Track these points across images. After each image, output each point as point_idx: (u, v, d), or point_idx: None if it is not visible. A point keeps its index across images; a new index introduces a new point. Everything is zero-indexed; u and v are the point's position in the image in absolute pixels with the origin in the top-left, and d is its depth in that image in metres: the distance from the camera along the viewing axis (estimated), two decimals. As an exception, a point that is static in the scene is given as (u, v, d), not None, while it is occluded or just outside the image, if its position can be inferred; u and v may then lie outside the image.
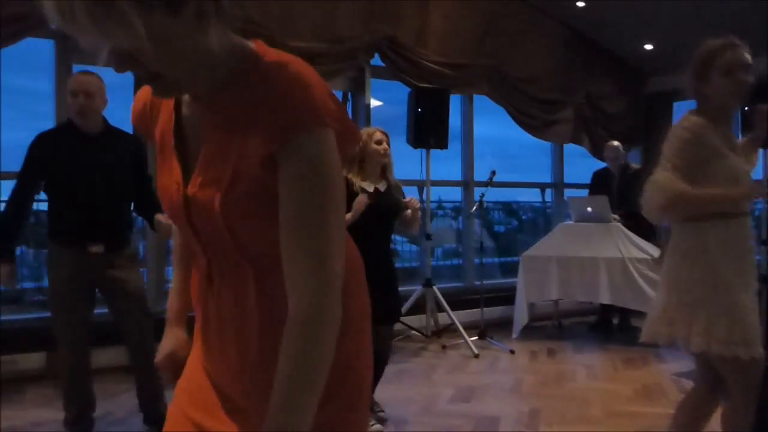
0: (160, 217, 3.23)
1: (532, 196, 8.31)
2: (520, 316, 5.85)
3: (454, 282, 6.92)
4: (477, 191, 6.20)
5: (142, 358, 3.36)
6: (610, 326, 6.28)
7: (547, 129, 6.95)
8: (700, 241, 2.39)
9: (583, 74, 7.08)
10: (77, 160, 3.19)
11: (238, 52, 1.13)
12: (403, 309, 5.50)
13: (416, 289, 5.71)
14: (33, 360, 4.42)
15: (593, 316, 6.50)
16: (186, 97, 1.18)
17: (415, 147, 5.76)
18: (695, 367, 2.61)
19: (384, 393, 4.13)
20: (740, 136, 2.63)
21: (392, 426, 3.73)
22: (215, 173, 1.10)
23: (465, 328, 5.46)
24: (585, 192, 6.51)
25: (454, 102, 6.30)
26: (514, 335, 5.84)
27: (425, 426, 3.66)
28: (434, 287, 5.69)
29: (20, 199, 3.23)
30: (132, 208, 3.45)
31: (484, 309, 5.73)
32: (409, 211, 3.56)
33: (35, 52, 4.76)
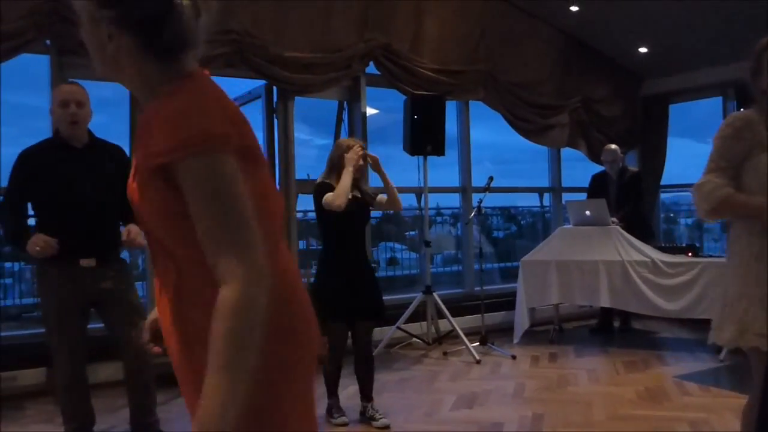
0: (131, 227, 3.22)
1: (530, 200, 8.31)
2: (521, 321, 5.85)
3: (454, 288, 6.91)
4: (475, 197, 6.20)
5: (138, 370, 3.34)
6: (611, 329, 6.27)
7: (543, 133, 6.96)
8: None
9: (579, 78, 7.10)
10: (66, 173, 3.17)
11: (172, 78, 1.25)
12: (404, 316, 5.54)
13: (416, 297, 5.70)
14: (33, 376, 4.41)
15: (594, 319, 6.49)
16: None
17: (412, 154, 5.76)
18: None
19: (386, 401, 4.12)
20: None
21: (395, 434, 3.72)
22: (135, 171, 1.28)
23: (466, 335, 5.45)
24: (583, 196, 6.51)
25: (450, 108, 6.31)
26: (515, 340, 5.84)
27: (428, 433, 3.65)
28: (434, 294, 5.69)
29: (10, 214, 3.22)
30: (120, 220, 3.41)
31: (485, 315, 5.72)
32: (383, 195, 3.89)
33: (31, 69, 4.77)
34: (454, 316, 5.63)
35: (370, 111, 6.04)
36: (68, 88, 3.26)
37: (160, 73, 1.25)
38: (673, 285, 5.25)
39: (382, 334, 5.48)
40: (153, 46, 1.22)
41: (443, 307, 5.61)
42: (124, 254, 3.55)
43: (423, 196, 5.91)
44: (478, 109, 6.73)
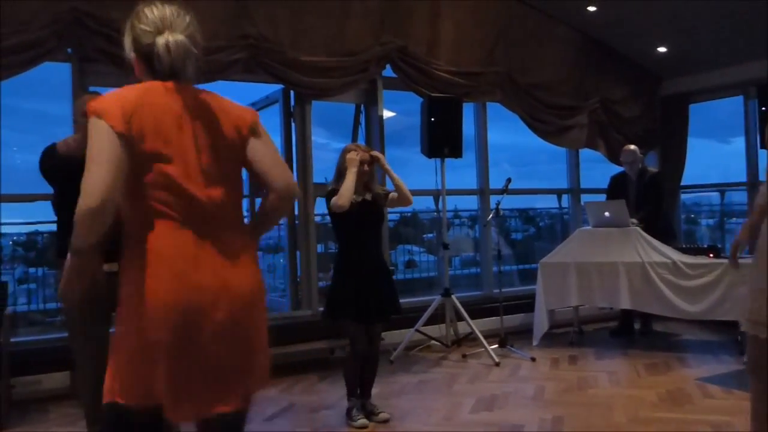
0: None
1: (548, 202, 8.26)
2: (540, 323, 5.82)
3: (472, 291, 6.89)
4: (493, 199, 6.18)
5: None
6: (631, 331, 6.22)
7: (561, 135, 6.92)
8: None
9: (597, 79, 7.06)
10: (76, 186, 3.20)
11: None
12: (422, 319, 5.53)
13: (435, 299, 5.70)
14: (56, 380, 4.47)
15: (614, 321, 6.45)
16: None
17: (430, 157, 5.76)
18: None
19: (405, 403, 4.12)
20: None
21: (414, 437, 3.73)
22: None
23: (485, 337, 5.44)
24: (602, 197, 6.47)
25: (467, 110, 6.31)
26: (535, 342, 5.81)
27: (447, 436, 3.64)
28: (453, 296, 5.68)
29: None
30: None
31: (504, 317, 5.71)
32: (394, 193, 3.94)
33: (52, 77, 4.83)
34: (472, 318, 5.62)
35: (387, 114, 6.06)
36: (91, 99, 3.29)
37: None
38: (694, 286, 5.20)
39: (401, 336, 5.48)
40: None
41: (462, 309, 5.60)
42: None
43: (441, 198, 5.91)
44: (495, 110, 6.71)
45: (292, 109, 5.64)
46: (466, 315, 5.57)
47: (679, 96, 7.33)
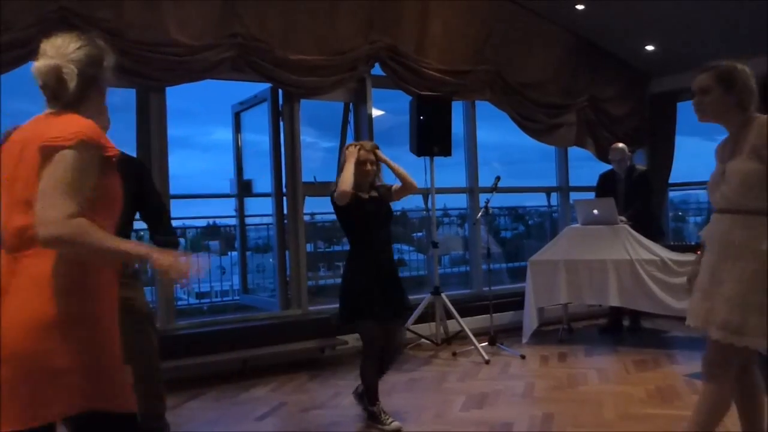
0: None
1: (537, 200, 8.29)
2: (530, 320, 5.84)
3: (462, 289, 6.91)
4: (482, 197, 6.19)
5: (147, 375, 3.36)
6: (620, 328, 6.25)
7: (550, 133, 6.95)
8: None
9: (586, 77, 7.09)
10: None
11: None
12: (412, 318, 5.53)
13: (425, 298, 5.70)
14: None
15: (603, 318, 6.48)
16: None
17: (419, 155, 5.76)
18: None
19: (396, 401, 4.12)
20: None
21: (405, 435, 3.73)
22: None
23: (475, 335, 5.45)
24: (591, 195, 6.49)
25: (457, 109, 6.31)
26: (524, 340, 5.83)
27: (438, 434, 3.65)
28: (443, 295, 5.69)
29: None
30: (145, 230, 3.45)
31: (494, 315, 5.72)
32: (396, 184, 3.94)
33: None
34: (462, 316, 5.63)
35: (376, 112, 6.05)
36: None
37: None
38: (682, 283, 5.21)
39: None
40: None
41: (452, 307, 5.61)
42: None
43: (430, 196, 5.91)
44: (484, 109, 6.72)
45: (280, 108, 5.62)
46: (455, 313, 5.58)
47: (667, 94, 7.37)
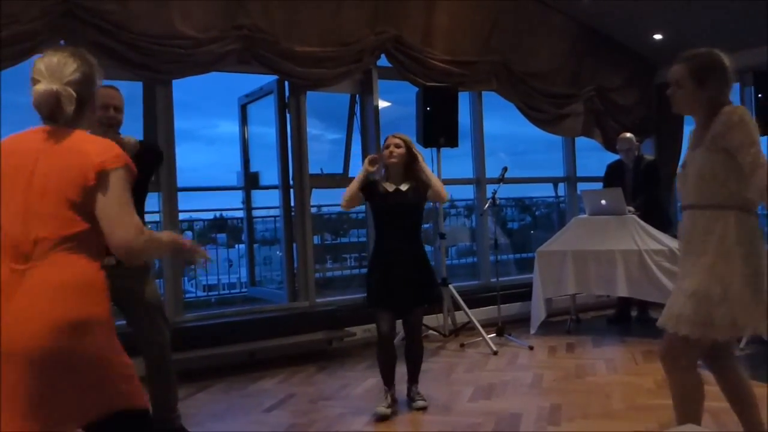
0: None
1: (544, 191, 8.27)
2: (538, 311, 5.83)
3: (469, 280, 6.90)
4: (489, 188, 6.18)
5: (159, 367, 3.38)
6: (628, 319, 6.23)
7: (557, 123, 6.91)
8: (742, 229, 2.53)
9: (593, 67, 7.04)
10: None
11: None
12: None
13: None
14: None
15: (611, 309, 6.46)
16: None
17: (425, 146, 5.75)
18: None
19: (404, 392, 4.12)
20: None
21: (412, 426, 3.73)
22: None
23: (483, 326, 5.45)
24: (599, 185, 6.47)
25: (463, 100, 6.29)
26: (532, 331, 5.82)
27: (446, 425, 3.65)
28: (450, 286, 5.69)
29: None
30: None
31: (501, 306, 5.71)
32: (430, 191, 3.97)
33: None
34: (470, 307, 5.63)
35: (382, 104, 6.04)
36: (110, 92, 3.28)
37: None
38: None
39: (398, 327, 5.48)
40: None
41: (459, 299, 5.61)
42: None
43: (437, 188, 5.89)
44: (491, 99, 6.70)
45: (286, 100, 5.61)
46: (463, 304, 5.58)
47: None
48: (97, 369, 1.78)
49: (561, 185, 7.54)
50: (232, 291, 9.40)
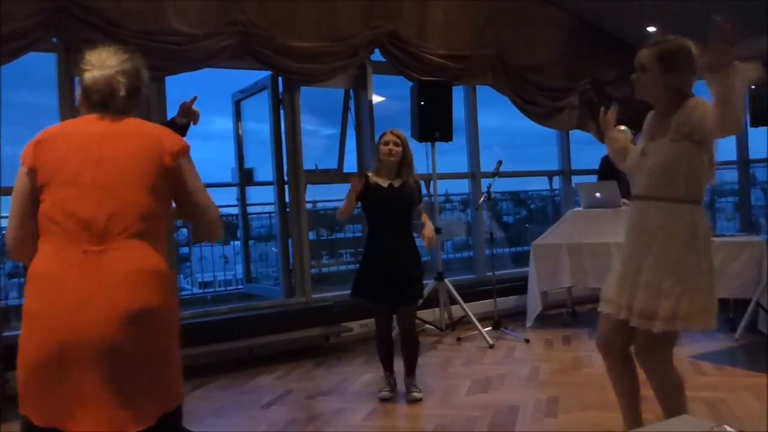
0: None
1: (540, 184, 8.27)
2: (534, 305, 5.85)
3: (465, 274, 6.92)
4: (484, 182, 6.18)
5: None
6: (624, 311, 6.24)
7: (552, 117, 6.91)
8: (697, 224, 2.56)
9: (588, 60, 7.04)
10: None
11: None
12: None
13: (428, 283, 5.70)
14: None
15: (607, 301, 6.47)
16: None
17: (420, 141, 5.75)
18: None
19: (402, 387, 4.13)
20: None
21: (410, 420, 3.74)
22: None
23: (479, 320, 5.46)
24: (593, 178, 6.48)
25: (458, 94, 6.29)
26: (528, 324, 5.84)
27: (444, 418, 3.66)
28: (446, 280, 5.69)
29: None
30: None
31: (497, 299, 5.73)
32: (421, 205, 4.05)
33: (38, 67, 4.77)
34: (466, 301, 5.64)
35: (376, 99, 6.03)
36: None
37: None
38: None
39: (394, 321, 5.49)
40: None
41: (455, 293, 5.62)
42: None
43: (432, 182, 5.90)
44: (486, 93, 6.69)
45: (280, 96, 5.60)
46: (459, 298, 5.59)
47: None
48: (167, 363, 1.77)
49: (556, 179, 7.55)
50: (228, 288, 9.40)
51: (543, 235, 5.98)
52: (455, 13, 6.21)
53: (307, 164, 5.70)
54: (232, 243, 9.70)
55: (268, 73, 5.51)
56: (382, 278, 3.89)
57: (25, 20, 4.26)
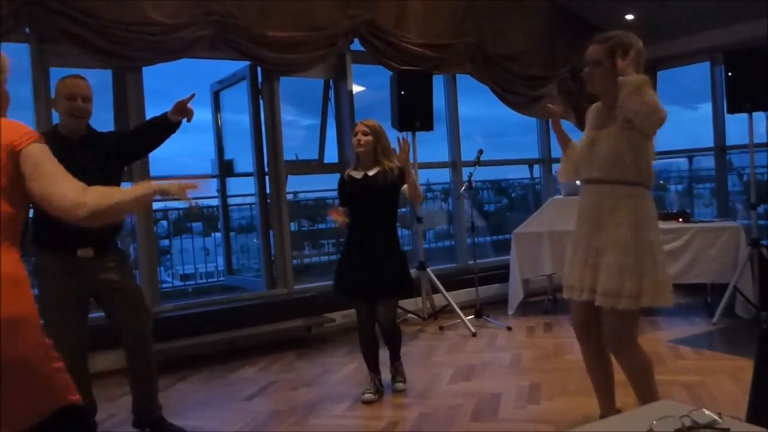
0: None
1: (520, 173, 8.31)
2: (515, 292, 5.88)
3: (447, 263, 6.93)
4: (465, 171, 6.19)
5: (141, 358, 3.36)
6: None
7: (532, 105, 6.93)
8: (648, 204, 2.76)
9: (566, 48, 7.05)
10: (64, 167, 3.14)
11: None
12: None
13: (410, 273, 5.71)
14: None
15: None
16: None
17: (401, 130, 5.73)
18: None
19: (385, 377, 4.14)
20: None
21: (393, 410, 3.75)
22: None
23: (461, 308, 5.49)
24: (573, 166, 6.50)
25: (438, 83, 6.28)
26: (510, 312, 5.88)
27: (428, 407, 3.68)
28: (428, 270, 5.71)
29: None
30: None
31: (479, 288, 5.76)
32: (405, 186, 3.82)
33: (10, 58, 4.68)
34: (448, 290, 5.66)
35: (356, 88, 6.00)
36: (76, 82, 3.23)
37: None
38: (665, 251, 5.28)
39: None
40: None
41: (437, 282, 5.63)
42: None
43: (413, 171, 5.88)
44: (465, 82, 6.69)
45: (260, 86, 5.56)
46: (441, 287, 5.61)
47: (647, 63, 7.28)
48: (36, 368, 1.69)
49: (536, 167, 7.58)
50: (210, 280, 9.34)
51: (524, 224, 6.01)
52: (433, 2, 6.18)
53: (288, 155, 5.67)
54: (213, 234, 9.64)
55: (246, 63, 5.46)
56: (359, 274, 3.77)
57: (-4, 10, 4.18)
